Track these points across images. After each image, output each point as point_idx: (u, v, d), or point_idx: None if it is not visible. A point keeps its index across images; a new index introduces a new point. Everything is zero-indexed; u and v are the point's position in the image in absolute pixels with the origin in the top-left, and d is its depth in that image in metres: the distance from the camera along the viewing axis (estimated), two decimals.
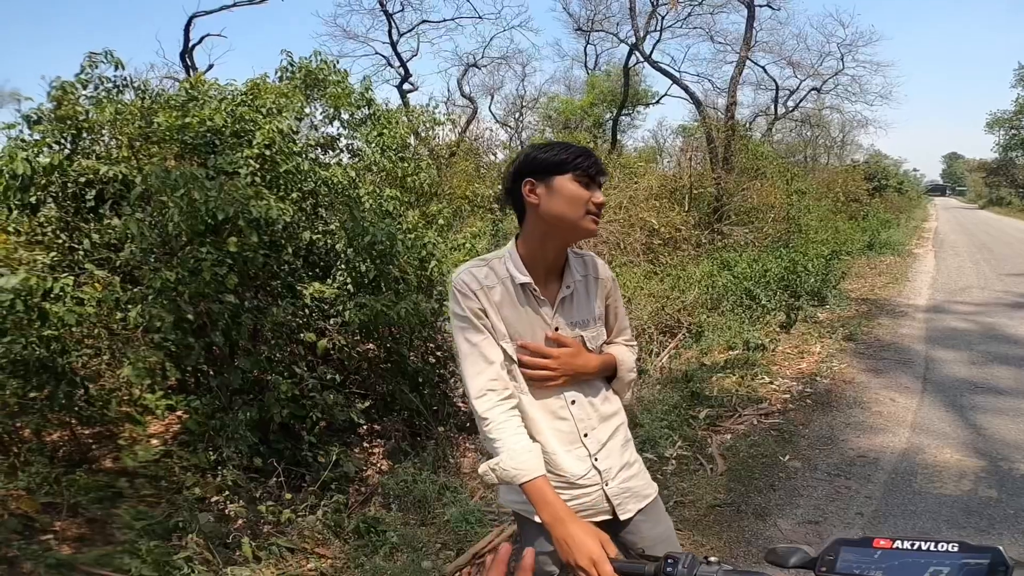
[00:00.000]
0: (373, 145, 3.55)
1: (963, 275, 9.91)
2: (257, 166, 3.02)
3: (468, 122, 15.27)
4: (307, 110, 3.59)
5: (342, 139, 3.72)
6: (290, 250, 3.17)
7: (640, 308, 5.28)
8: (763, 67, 18.26)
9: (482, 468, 1.13)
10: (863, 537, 0.72)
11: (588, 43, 21.58)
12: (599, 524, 1.11)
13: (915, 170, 52.51)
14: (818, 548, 0.76)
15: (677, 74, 16.24)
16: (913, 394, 4.21)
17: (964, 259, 12.18)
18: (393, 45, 16.39)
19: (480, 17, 17.50)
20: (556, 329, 1.21)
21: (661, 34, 15.74)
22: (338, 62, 3.68)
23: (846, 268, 9.49)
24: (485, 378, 1.14)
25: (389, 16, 15.92)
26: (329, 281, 3.54)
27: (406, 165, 3.57)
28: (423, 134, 5.08)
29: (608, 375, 1.30)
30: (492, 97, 23.01)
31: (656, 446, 3.43)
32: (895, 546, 0.69)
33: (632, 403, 4.29)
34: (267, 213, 2.73)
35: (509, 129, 22.80)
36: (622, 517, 1.23)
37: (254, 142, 3.03)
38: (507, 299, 1.18)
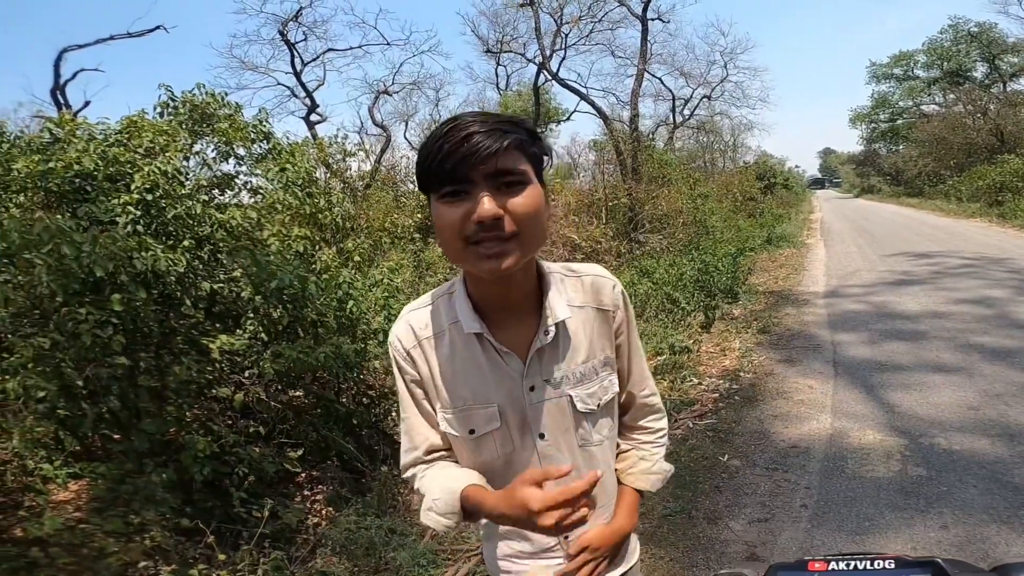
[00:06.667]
0: (275, 181, 3.30)
1: (851, 260, 10.89)
2: (138, 213, 2.70)
3: (382, 151, 15.01)
4: (196, 148, 3.28)
5: (240, 176, 3.44)
6: (188, 303, 2.85)
7: None
8: (660, 79, 19.54)
9: (423, 516, 0.94)
10: (799, 560, 0.70)
11: (499, 64, 22.07)
12: None
13: (797, 166, 57.84)
14: (757, 569, 0.74)
15: (584, 90, 16.96)
16: (827, 379, 4.46)
17: (849, 245, 13.43)
18: (297, 75, 15.89)
19: (388, 43, 17.36)
20: (532, 389, 0.89)
21: (566, 52, 16.41)
22: (226, 95, 3.40)
23: (751, 264, 10.15)
24: (412, 457, 0.98)
25: (291, 46, 15.43)
26: (239, 332, 3.27)
27: (315, 201, 3.34)
28: (335, 166, 4.83)
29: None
30: (406, 124, 22.94)
31: None
32: (831, 567, 0.67)
33: None
34: (154, 265, 2.43)
35: None
36: None
37: (132, 186, 2.71)
38: (457, 353, 0.90)
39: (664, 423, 1.10)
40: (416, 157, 0.83)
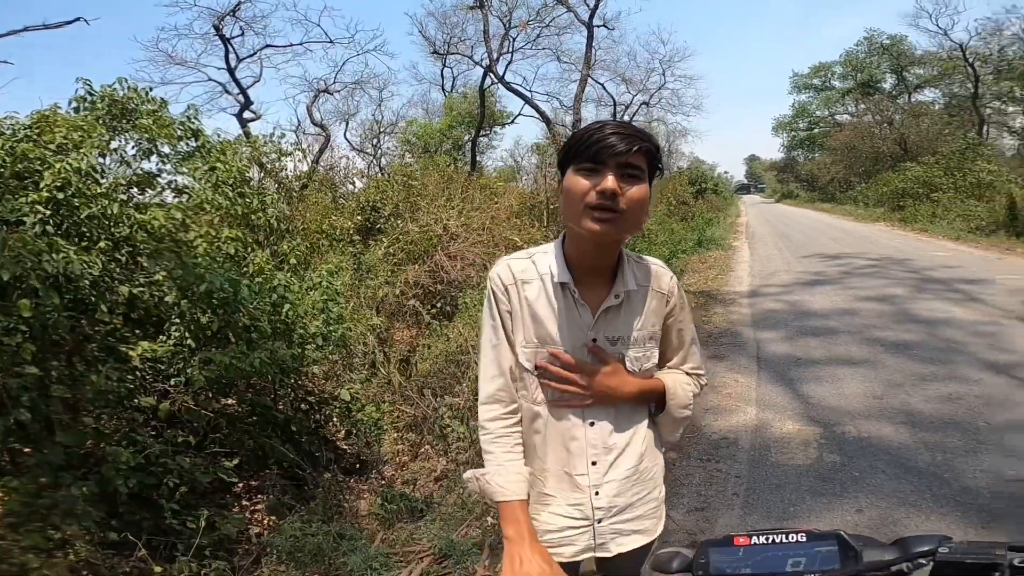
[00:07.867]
0: (203, 181, 3.14)
1: (771, 261, 11.62)
2: (48, 212, 2.50)
3: (321, 151, 14.46)
4: (114, 144, 3.07)
5: (163, 176, 3.25)
6: (104, 308, 2.67)
7: None
8: (602, 84, 20.02)
9: (467, 474, 1.14)
10: (725, 536, 0.80)
11: (445, 66, 21.80)
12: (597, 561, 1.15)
13: (726, 172, 60.84)
14: (692, 549, 0.82)
15: (528, 94, 17.14)
16: (751, 373, 4.75)
17: (770, 247, 14.32)
18: (231, 71, 15.07)
19: (331, 41, 16.61)
20: (594, 340, 1.11)
21: (513, 55, 16.52)
22: (151, 89, 3.19)
23: (683, 265, 10.61)
24: (495, 386, 1.13)
25: (226, 41, 14.60)
26: (162, 338, 3.09)
27: (247, 201, 3.20)
28: (269, 166, 4.64)
29: (651, 403, 1.19)
30: (347, 123, 22.26)
31: None
32: (752, 542, 0.78)
33: None
34: (66, 268, 2.27)
35: (367, 156, 22.16)
36: (600, 555, 1.16)
37: (41, 184, 2.50)
38: (543, 297, 1.11)
39: (700, 387, 1.25)
40: (565, 142, 1.09)
